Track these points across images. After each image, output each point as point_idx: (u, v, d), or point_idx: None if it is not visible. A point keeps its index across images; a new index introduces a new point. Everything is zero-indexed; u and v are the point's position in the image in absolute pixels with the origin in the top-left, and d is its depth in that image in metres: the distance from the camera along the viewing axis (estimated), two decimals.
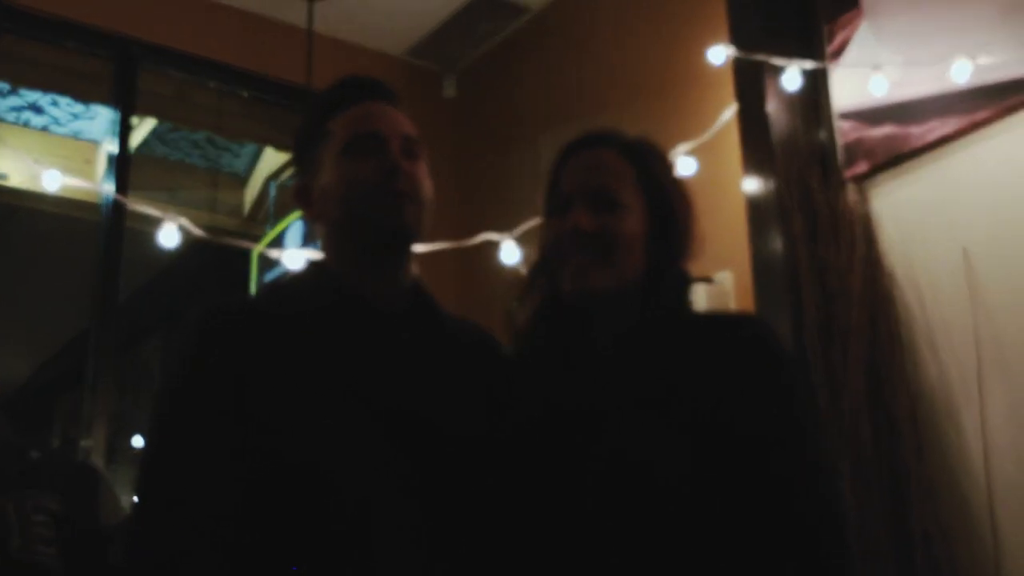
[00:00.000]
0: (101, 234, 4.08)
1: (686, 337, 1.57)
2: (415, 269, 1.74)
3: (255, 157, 5.51)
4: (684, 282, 1.67)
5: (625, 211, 1.62)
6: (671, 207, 1.66)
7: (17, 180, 4.68)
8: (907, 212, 3.18)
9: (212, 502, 1.42)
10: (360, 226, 1.64)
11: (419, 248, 1.74)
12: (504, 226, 3.68)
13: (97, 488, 2.42)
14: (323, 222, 1.69)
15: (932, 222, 3.11)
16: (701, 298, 3.39)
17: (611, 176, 1.64)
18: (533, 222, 3.68)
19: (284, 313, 1.60)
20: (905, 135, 3.19)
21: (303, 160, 1.74)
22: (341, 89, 1.75)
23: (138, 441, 5.40)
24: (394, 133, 1.67)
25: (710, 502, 1.43)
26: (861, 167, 3.28)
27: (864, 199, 3.25)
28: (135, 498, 1.49)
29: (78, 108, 5.08)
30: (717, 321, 1.64)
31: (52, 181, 3.37)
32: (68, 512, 2.28)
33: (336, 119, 1.69)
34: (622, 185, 1.63)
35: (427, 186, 1.68)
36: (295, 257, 3.56)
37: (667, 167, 1.72)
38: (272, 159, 5.41)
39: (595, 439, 1.50)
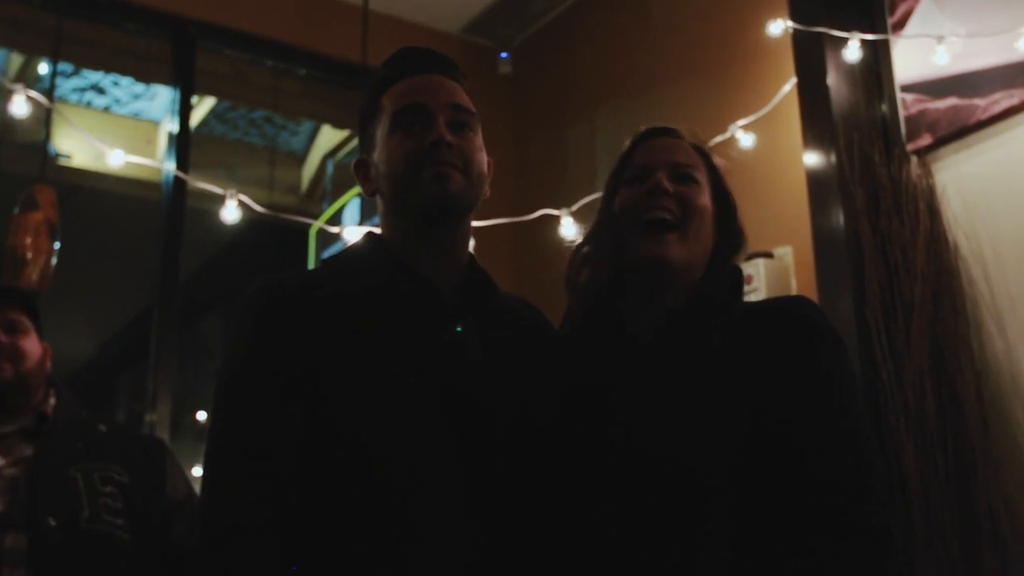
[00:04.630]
0: (162, 212, 4.13)
1: (729, 325, 1.57)
2: (470, 245, 1.73)
3: (312, 135, 5.54)
4: (737, 278, 1.69)
5: (700, 187, 1.66)
6: (732, 205, 1.71)
7: (80, 160, 4.75)
8: (972, 185, 3.13)
9: (274, 478, 1.45)
10: (408, 200, 1.64)
11: (477, 224, 1.73)
12: (562, 201, 3.68)
13: (164, 460, 2.45)
14: (380, 197, 1.70)
15: (997, 195, 3.06)
16: (761, 273, 3.36)
17: (688, 156, 1.69)
18: (591, 197, 3.68)
19: (340, 286, 1.62)
20: (969, 107, 3.13)
21: (362, 137, 1.75)
22: (393, 64, 1.74)
23: (201, 416, 5.47)
24: (441, 105, 1.65)
25: (750, 487, 1.43)
26: (924, 140, 3.23)
27: (927, 172, 3.21)
28: (203, 476, 1.52)
29: (139, 88, 5.14)
30: (760, 308, 1.64)
31: (117, 159, 3.43)
32: (135, 483, 2.31)
33: (388, 94, 1.69)
34: (696, 166, 1.68)
35: (478, 159, 1.67)
36: (353, 234, 3.59)
37: (721, 171, 1.76)
38: (329, 137, 5.44)
39: (632, 426, 1.51)
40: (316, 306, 1.56)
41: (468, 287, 1.67)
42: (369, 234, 1.73)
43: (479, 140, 1.69)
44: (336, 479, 1.46)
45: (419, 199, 1.62)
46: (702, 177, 1.68)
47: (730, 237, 1.69)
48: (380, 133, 1.68)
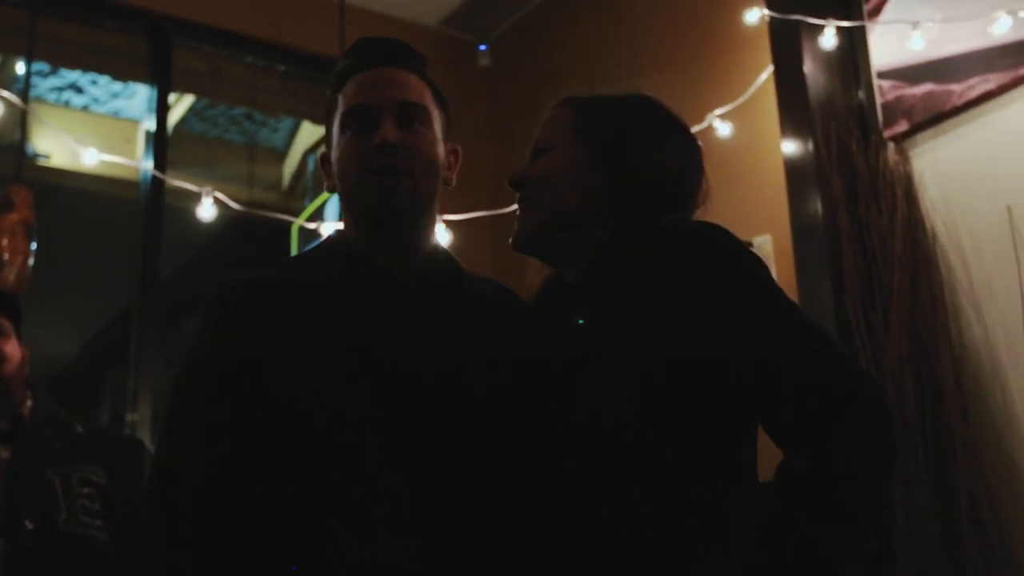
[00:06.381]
0: (141, 212, 4.11)
1: (639, 268, 1.53)
2: (433, 236, 1.72)
3: (292, 131, 5.52)
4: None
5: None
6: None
7: (59, 160, 4.73)
8: (949, 171, 3.13)
9: (217, 473, 1.49)
10: (358, 203, 1.65)
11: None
12: None
13: (142, 460, 2.46)
14: (338, 193, 1.71)
15: (974, 180, 3.06)
16: None
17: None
18: None
19: (295, 281, 1.63)
20: (945, 93, 3.14)
21: (326, 130, 1.75)
22: (349, 57, 1.72)
23: None
24: (388, 103, 1.63)
25: (680, 437, 1.42)
26: (901, 126, 3.23)
27: (904, 159, 3.21)
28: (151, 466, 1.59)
29: (118, 87, 5.11)
30: (668, 240, 1.54)
31: (90, 158, 3.41)
32: (113, 485, 2.31)
33: (342, 90, 1.68)
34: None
35: (428, 153, 1.64)
36: (331, 230, 3.58)
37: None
38: (310, 133, 5.42)
39: (563, 389, 1.51)
40: (266, 301, 1.58)
41: (430, 277, 1.66)
42: (335, 232, 1.74)
43: (432, 133, 1.66)
44: (279, 455, 1.48)
45: (367, 205, 1.63)
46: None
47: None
48: (335, 131, 1.68)
